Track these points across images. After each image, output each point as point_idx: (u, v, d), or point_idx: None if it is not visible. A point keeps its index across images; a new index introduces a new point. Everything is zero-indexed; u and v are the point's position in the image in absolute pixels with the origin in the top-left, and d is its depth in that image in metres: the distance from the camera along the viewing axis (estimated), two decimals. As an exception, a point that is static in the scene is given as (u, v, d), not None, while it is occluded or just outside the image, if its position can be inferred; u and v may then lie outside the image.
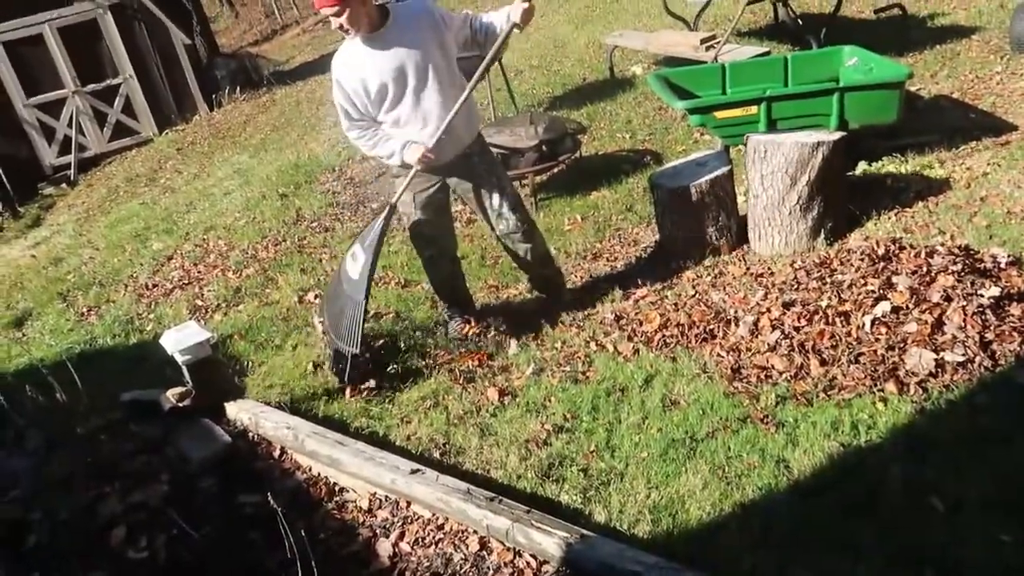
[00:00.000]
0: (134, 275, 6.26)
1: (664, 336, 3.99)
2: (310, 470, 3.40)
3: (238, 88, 14.14)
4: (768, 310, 3.77)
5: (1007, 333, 3.36)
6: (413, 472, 3.06)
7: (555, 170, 6.00)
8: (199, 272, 5.93)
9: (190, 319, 5.00)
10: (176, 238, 6.88)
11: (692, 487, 2.97)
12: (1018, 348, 3.31)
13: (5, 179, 12.05)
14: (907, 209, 4.71)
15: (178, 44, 13.37)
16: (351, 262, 3.90)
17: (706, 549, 2.65)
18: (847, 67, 5.64)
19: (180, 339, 3.61)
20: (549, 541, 2.59)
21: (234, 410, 3.72)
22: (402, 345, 4.29)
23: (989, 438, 2.92)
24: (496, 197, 4.03)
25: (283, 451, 3.52)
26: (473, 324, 4.40)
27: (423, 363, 4.13)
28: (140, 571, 3.06)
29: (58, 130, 12.80)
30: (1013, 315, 3.45)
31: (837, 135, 4.47)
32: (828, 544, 2.61)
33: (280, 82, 14.48)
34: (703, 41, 7.15)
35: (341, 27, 3.53)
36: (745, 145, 4.69)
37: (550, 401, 3.69)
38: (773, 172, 4.48)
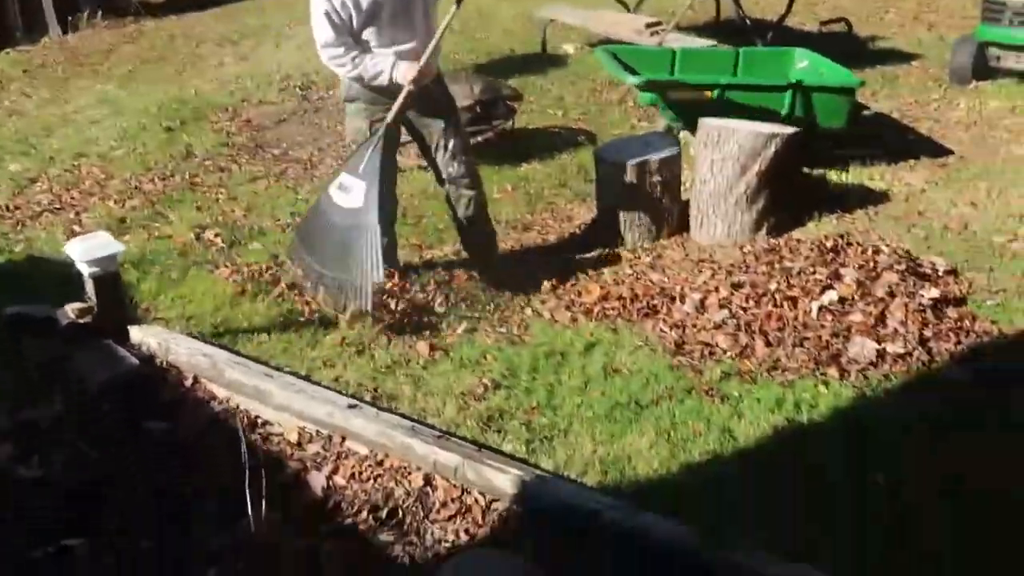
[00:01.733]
0: (-12, 195, 6.13)
1: (604, 308, 4.32)
2: (227, 401, 3.52)
3: (99, 12, 13.76)
4: (716, 289, 4.17)
5: (944, 332, 3.88)
6: (351, 407, 3.26)
7: (487, 135, 6.28)
8: (72, 198, 5.88)
9: (68, 241, 4.98)
10: (38, 161, 6.75)
11: (639, 447, 3.29)
12: (953, 347, 3.82)
13: None
14: (848, 215, 5.24)
15: (34, -50, 12.90)
16: (340, 194, 4.18)
17: (658, 499, 2.97)
18: (798, 69, 6.20)
19: (88, 249, 3.67)
20: (503, 478, 2.85)
21: (140, 334, 3.80)
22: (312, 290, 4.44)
23: (924, 425, 3.38)
24: (453, 139, 4.37)
25: (196, 380, 3.63)
26: (397, 278, 4.61)
27: (341, 312, 4.30)
28: (33, 490, 3.12)
29: None
30: (950, 317, 3.98)
31: (792, 129, 4.95)
32: (775, 505, 2.98)
33: (151, 13, 14.18)
34: (648, 26, 7.63)
35: None
36: (695, 129, 5.11)
37: (485, 358, 3.95)
38: (724, 159, 4.90)
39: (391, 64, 4.05)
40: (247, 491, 2.85)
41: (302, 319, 4.22)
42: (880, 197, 5.46)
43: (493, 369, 3.86)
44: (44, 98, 9.63)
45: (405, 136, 4.51)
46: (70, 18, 13.48)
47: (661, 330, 4.09)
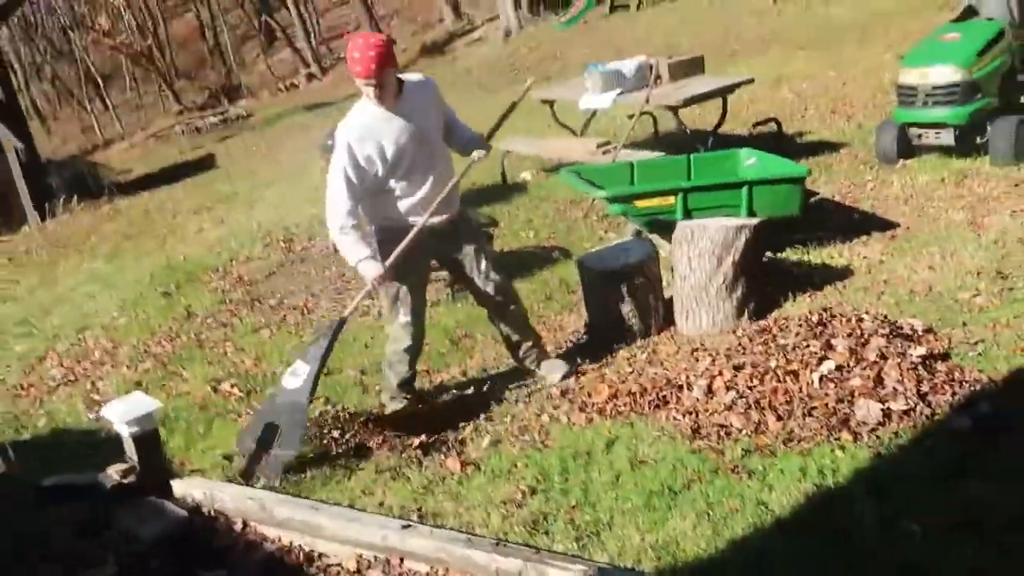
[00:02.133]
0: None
1: (616, 405, 4.35)
2: (279, 540, 3.46)
3: (74, 197, 13.91)
4: (719, 373, 4.22)
5: (939, 385, 3.96)
6: (405, 527, 3.21)
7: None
8: (85, 369, 5.84)
9: (90, 413, 4.93)
10: (42, 340, 6.71)
11: (683, 529, 3.29)
12: (950, 398, 3.89)
13: None
14: (819, 292, 5.37)
15: (9, 146, 13.11)
16: (289, 378, 4.20)
17: (714, 576, 2.95)
18: (746, 167, 6.44)
19: (128, 410, 3.64)
20: None
21: (183, 487, 3.74)
22: (341, 427, 4.42)
23: (939, 475, 3.42)
24: (484, 261, 4.55)
25: (245, 524, 3.56)
26: (415, 401, 4.63)
27: (370, 442, 4.27)
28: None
29: None
30: (940, 371, 4.07)
31: (756, 220, 5.12)
32: (822, 568, 2.98)
33: (122, 192, 14.37)
34: (599, 146, 7.90)
35: (378, 96, 4.02)
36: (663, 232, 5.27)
37: (516, 467, 3.94)
38: (700, 254, 5.03)
39: (363, 257, 4.15)
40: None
41: (334, 453, 4.18)
42: (844, 272, 5.61)
43: (526, 476, 3.85)
44: (32, 284, 9.63)
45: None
46: (47, 205, 13.63)
47: (675, 418, 4.12)
